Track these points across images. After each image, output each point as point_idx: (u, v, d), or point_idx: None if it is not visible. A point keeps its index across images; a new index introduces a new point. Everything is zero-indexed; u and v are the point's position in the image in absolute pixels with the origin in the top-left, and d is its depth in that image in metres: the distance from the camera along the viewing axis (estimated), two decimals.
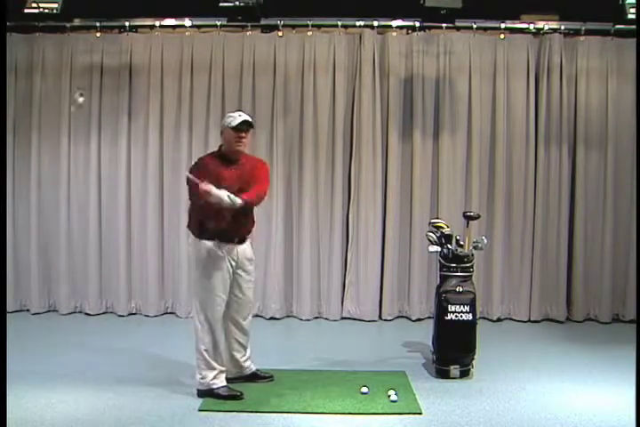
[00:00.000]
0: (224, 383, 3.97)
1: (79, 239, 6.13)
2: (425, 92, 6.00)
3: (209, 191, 3.66)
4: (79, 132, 6.08)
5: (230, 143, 3.93)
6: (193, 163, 4.15)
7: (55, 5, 5.23)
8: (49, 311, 6.18)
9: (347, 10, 5.82)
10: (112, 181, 6.10)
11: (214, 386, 3.93)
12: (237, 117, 3.92)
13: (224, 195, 3.68)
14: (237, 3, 5.13)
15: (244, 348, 4.20)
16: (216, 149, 4.11)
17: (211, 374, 3.93)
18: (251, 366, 4.25)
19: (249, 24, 5.81)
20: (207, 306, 3.92)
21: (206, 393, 3.94)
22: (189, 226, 4.05)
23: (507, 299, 6.13)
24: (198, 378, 3.95)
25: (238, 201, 3.73)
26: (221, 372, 3.98)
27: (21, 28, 5.84)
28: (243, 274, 4.06)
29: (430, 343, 4.65)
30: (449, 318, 4.36)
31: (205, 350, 3.92)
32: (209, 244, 3.90)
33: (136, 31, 6.06)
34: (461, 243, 4.57)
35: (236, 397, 3.93)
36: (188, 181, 3.81)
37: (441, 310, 4.41)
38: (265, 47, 6.01)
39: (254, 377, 4.24)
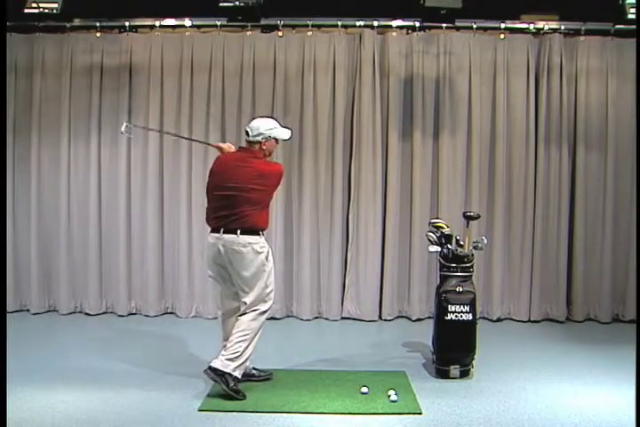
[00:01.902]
0: (239, 376, 3.96)
1: (79, 239, 6.13)
2: (425, 92, 6.00)
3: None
4: (79, 132, 6.08)
5: (271, 152, 4.22)
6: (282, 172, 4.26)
7: (55, 5, 5.23)
8: (49, 311, 6.19)
9: (347, 10, 5.82)
10: (112, 181, 6.10)
11: (233, 372, 3.90)
12: (284, 130, 4.20)
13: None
14: (237, 3, 5.13)
15: None
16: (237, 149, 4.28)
17: (239, 362, 3.92)
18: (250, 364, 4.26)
19: (249, 24, 5.81)
20: (273, 295, 4.15)
21: (218, 375, 3.89)
22: (262, 228, 4.09)
23: (507, 299, 6.13)
24: (224, 359, 3.89)
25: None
26: (245, 363, 3.99)
27: (21, 28, 5.85)
28: None
29: (430, 343, 4.65)
30: (449, 318, 4.36)
31: (253, 342, 3.99)
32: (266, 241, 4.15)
33: (136, 31, 6.06)
34: (461, 243, 4.57)
35: (238, 392, 3.92)
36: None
37: (441, 310, 4.41)
38: (265, 47, 6.01)
39: (253, 376, 4.25)
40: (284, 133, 4.20)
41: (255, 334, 4.00)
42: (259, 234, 4.05)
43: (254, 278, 4.02)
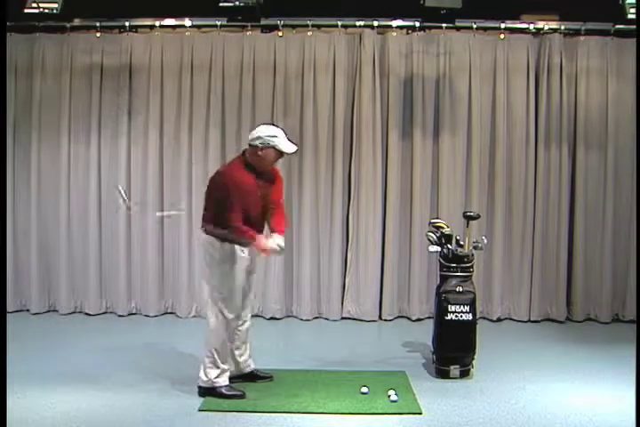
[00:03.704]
0: (227, 382, 3.98)
1: (79, 239, 6.12)
2: (425, 92, 6.00)
3: (266, 249, 3.90)
4: (79, 132, 6.08)
5: (269, 163, 3.92)
6: (227, 178, 3.87)
7: (55, 5, 5.24)
8: (49, 311, 6.18)
9: (347, 10, 5.83)
10: (112, 181, 6.08)
11: (217, 384, 3.94)
12: (288, 144, 3.89)
13: (276, 248, 3.92)
14: (237, 3, 5.13)
15: (245, 346, 4.21)
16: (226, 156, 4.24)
17: (215, 373, 3.94)
18: (251, 364, 4.26)
19: (249, 24, 5.82)
20: (229, 305, 3.94)
21: (208, 391, 3.94)
22: (214, 227, 3.92)
23: (507, 299, 6.13)
24: (202, 376, 3.95)
25: (282, 243, 3.98)
26: (225, 371, 3.99)
27: (21, 28, 5.84)
28: (253, 274, 4.16)
29: (430, 343, 4.65)
30: (449, 318, 4.36)
31: (216, 349, 3.93)
32: (233, 245, 3.94)
33: (136, 31, 6.06)
34: (461, 243, 4.58)
35: (238, 396, 3.94)
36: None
37: (441, 310, 4.41)
38: (265, 47, 6.01)
39: (253, 377, 4.25)
40: (287, 146, 3.87)
41: (217, 349, 3.92)
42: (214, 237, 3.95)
43: (206, 271, 4.04)
